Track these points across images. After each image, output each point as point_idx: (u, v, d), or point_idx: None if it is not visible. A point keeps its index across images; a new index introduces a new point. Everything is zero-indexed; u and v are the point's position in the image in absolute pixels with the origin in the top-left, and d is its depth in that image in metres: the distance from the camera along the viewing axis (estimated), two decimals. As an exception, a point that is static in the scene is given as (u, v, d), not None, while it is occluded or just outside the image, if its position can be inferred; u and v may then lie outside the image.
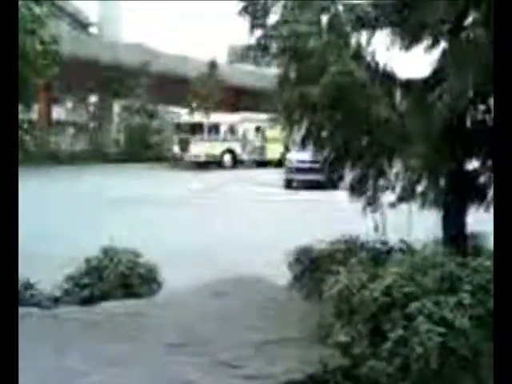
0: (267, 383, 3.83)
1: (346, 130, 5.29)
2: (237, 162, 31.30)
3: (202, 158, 30.08)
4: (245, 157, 32.03)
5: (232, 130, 31.49)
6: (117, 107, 36.44)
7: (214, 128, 30.83)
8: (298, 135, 6.15)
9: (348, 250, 5.21)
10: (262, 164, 31.40)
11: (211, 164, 30.06)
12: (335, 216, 11.15)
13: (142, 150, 32.61)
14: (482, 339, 3.57)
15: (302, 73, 5.01)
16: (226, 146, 30.99)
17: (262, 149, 32.31)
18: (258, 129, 32.35)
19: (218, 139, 30.85)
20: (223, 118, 31.39)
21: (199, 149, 29.72)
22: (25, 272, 5.63)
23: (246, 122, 32.00)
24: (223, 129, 31.17)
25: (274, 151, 31.25)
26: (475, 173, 5.25)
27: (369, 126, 5.01)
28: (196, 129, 30.42)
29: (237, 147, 31.50)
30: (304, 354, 4.21)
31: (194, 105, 32.53)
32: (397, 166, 5.28)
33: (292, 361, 4.12)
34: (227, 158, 31.17)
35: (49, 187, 18.71)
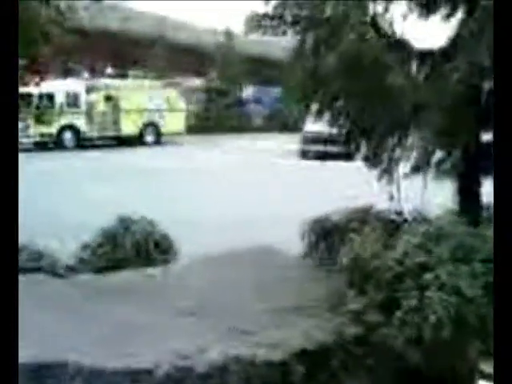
0: (280, 351, 3.88)
1: (361, 100, 5.27)
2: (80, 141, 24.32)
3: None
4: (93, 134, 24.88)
5: (75, 100, 24.44)
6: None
7: (48, 98, 23.78)
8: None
9: (362, 219, 5.22)
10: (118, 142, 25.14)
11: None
12: (350, 187, 11.14)
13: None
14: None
15: (318, 41, 4.98)
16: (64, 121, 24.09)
17: (115, 123, 25.38)
18: (108, 98, 25.57)
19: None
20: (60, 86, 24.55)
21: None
22: (46, 239, 5.77)
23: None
24: (60, 99, 24.05)
25: (130, 126, 25.31)
26: (490, 144, 5.22)
27: (384, 96, 4.98)
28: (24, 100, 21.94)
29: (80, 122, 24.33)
30: (317, 322, 4.25)
31: (213, 75, 32.46)
32: (412, 137, 5.26)
33: (305, 329, 4.16)
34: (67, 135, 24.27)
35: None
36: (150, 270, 5.37)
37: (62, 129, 23.64)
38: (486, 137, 5.24)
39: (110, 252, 5.64)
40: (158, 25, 32.17)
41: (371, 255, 3.90)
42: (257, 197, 12.16)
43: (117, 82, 28.12)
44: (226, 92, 33.85)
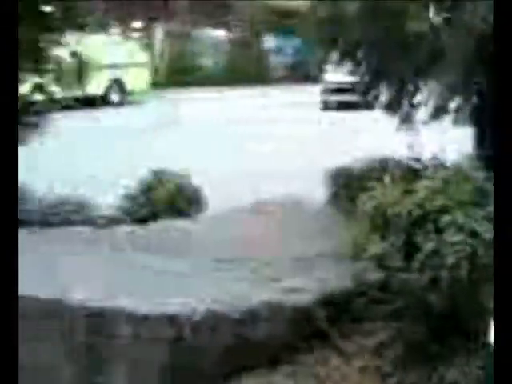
0: (304, 296, 4.03)
1: (382, 47, 5.27)
2: None
3: None
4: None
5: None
6: (159, 33, 36.09)
7: None
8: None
9: (383, 168, 5.28)
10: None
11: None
12: (370, 135, 11.15)
13: (183, 74, 32.40)
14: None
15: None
16: None
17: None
18: (74, 54, 23.49)
19: None
20: None
21: None
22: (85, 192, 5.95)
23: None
24: None
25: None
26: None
27: (404, 42, 4.99)
28: None
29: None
30: (339, 268, 4.39)
31: (234, 27, 32.14)
32: (431, 83, 5.27)
33: (328, 275, 4.30)
34: None
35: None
36: (183, 221, 5.54)
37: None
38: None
39: (144, 204, 5.83)
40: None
41: (392, 201, 3.97)
42: (279, 148, 12.21)
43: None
44: (248, 42, 33.49)
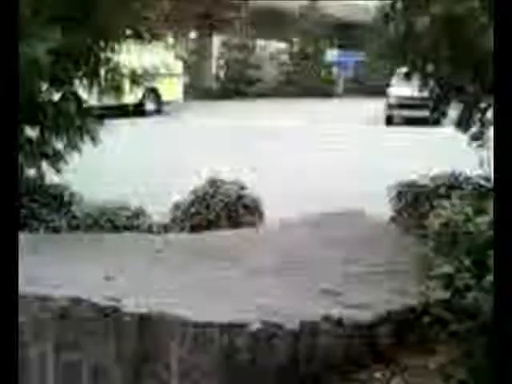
0: (366, 312, 3.94)
1: (453, 63, 5.18)
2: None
3: None
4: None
5: None
6: (217, 43, 36.58)
7: None
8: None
9: (451, 185, 5.18)
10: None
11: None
12: (438, 152, 10.96)
13: (242, 85, 32.72)
14: None
15: (410, 3, 4.92)
16: None
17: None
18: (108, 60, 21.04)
19: None
20: None
21: None
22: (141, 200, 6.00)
23: None
24: None
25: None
26: None
27: (476, 58, 4.89)
28: None
29: None
30: (404, 286, 4.29)
31: (295, 39, 32.21)
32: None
33: (391, 292, 4.20)
34: None
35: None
36: (239, 230, 5.52)
37: None
38: None
39: (200, 212, 5.84)
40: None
41: (463, 220, 3.87)
42: (342, 163, 12.14)
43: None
44: (309, 55, 33.64)
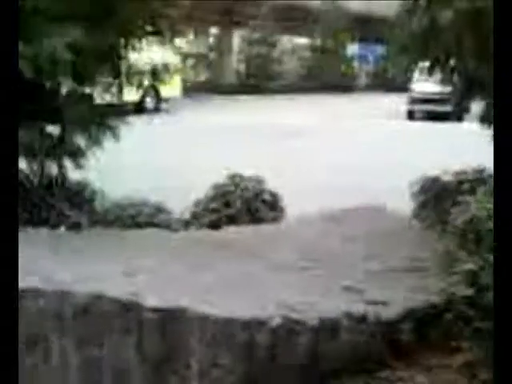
0: (388, 309, 3.90)
1: (478, 57, 5.11)
2: None
3: None
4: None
5: None
6: (237, 38, 36.58)
7: None
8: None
9: (474, 180, 5.11)
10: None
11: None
12: (461, 147, 10.86)
13: (262, 81, 32.66)
14: None
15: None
16: None
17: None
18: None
19: None
20: None
21: None
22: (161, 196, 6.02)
23: None
24: None
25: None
26: None
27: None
28: None
29: None
30: (426, 282, 4.24)
31: (316, 34, 32.10)
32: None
33: (414, 289, 4.16)
34: None
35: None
36: (260, 226, 5.50)
37: None
38: None
39: (220, 208, 5.83)
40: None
41: (487, 216, 3.81)
42: (362, 158, 12.08)
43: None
44: (330, 50, 33.55)
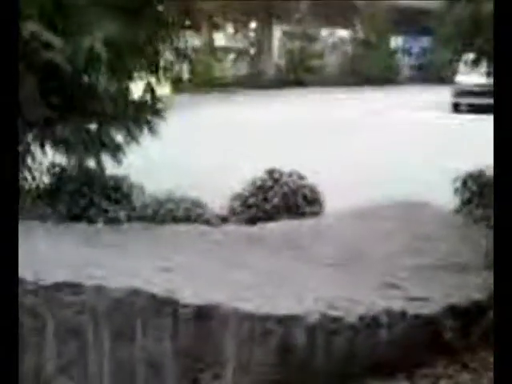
0: (430, 305, 3.82)
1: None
2: None
3: None
4: None
5: None
6: (277, 32, 36.42)
7: None
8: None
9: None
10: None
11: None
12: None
13: (303, 74, 32.46)
14: None
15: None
16: None
17: None
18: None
19: None
20: None
21: None
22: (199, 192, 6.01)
23: None
24: None
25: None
26: None
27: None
28: None
29: None
30: (470, 279, 4.15)
31: (358, 27, 31.80)
32: None
33: (457, 286, 4.07)
34: None
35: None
36: (298, 221, 5.44)
37: None
38: None
39: (259, 203, 5.78)
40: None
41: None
42: (406, 151, 11.92)
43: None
44: (373, 43, 33.17)
